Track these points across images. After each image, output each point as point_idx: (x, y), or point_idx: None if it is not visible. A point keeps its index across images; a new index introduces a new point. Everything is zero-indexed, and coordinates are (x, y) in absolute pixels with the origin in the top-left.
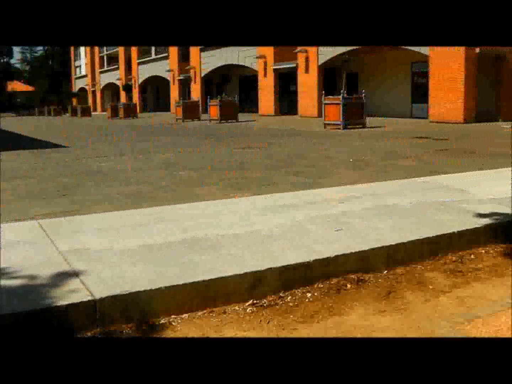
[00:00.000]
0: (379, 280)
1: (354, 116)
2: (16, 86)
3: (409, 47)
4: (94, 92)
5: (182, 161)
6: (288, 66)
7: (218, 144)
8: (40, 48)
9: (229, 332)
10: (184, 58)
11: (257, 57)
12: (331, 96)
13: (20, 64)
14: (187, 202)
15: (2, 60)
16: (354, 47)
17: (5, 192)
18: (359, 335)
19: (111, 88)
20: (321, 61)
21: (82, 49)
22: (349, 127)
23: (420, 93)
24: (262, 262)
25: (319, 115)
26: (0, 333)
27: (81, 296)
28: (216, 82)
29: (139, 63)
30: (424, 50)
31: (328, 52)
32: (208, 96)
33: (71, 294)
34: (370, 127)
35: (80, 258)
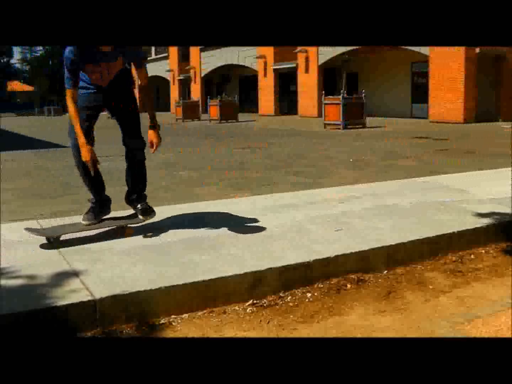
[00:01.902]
0: (379, 280)
1: (354, 116)
2: (16, 86)
3: (409, 47)
4: None
5: (182, 161)
6: (288, 66)
7: (218, 144)
8: (40, 48)
9: (229, 332)
10: (184, 58)
11: (257, 57)
12: (331, 96)
13: (20, 64)
14: (187, 202)
15: (2, 60)
16: (354, 47)
17: (5, 192)
18: (359, 335)
19: None
20: (321, 61)
21: None
22: (349, 127)
23: (420, 93)
24: (262, 262)
25: (319, 115)
26: (0, 333)
27: (81, 296)
28: (216, 82)
29: None
30: (424, 50)
31: (328, 52)
32: (208, 96)
33: (71, 294)
34: (370, 127)
35: (80, 258)
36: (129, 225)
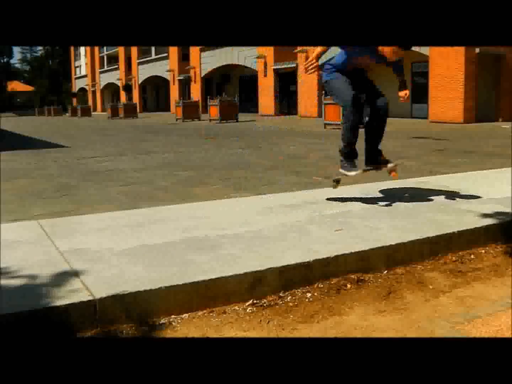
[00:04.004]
0: (379, 280)
1: None
2: (16, 86)
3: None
4: (94, 92)
5: (182, 161)
6: (288, 66)
7: (218, 144)
8: (40, 48)
9: (229, 332)
10: (184, 58)
11: (257, 57)
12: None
13: (20, 64)
14: (187, 202)
15: (2, 60)
16: None
17: (5, 192)
18: (359, 335)
19: (111, 88)
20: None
21: (82, 49)
22: None
23: (420, 93)
24: (262, 262)
25: (319, 115)
26: (0, 333)
27: (81, 296)
28: (216, 82)
29: (139, 63)
30: (424, 50)
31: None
32: (208, 96)
33: (71, 294)
34: None
35: (80, 258)
36: (393, 170)
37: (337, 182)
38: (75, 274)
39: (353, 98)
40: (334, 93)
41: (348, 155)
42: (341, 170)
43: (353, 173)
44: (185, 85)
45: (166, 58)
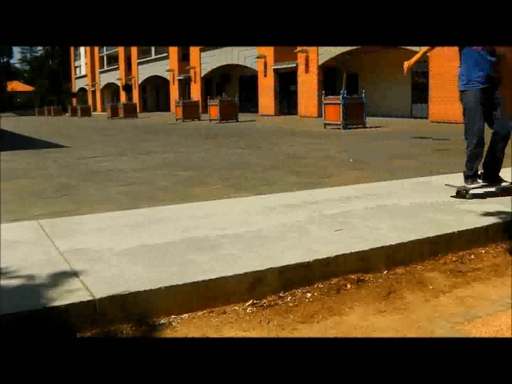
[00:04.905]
0: (379, 280)
1: (354, 116)
2: (16, 86)
3: (409, 47)
4: (94, 92)
5: (182, 161)
6: (288, 66)
7: (218, 144)
8: (40, 48)
9: (229, 332)
10: (184, 58)
11: (257, 57)
12: (331, 96)
13: (20, 64)
14: (187, 202)
15: (2, 60)
16: (354, 47)
17: (5, 192)
18: (359, 335)
19: (111, 88)
20: (321, 61)
21: (82, 49)
22: (349, 127)
23: (420, 93)
24: (262, 262)
25: (319, 115)
26: (0, 333)
27: (81, 296)
28: (216, 82)
29: (139, 63)
30: None
31: (328, 52)
32: (208, 96)
33: (71, 294)
34: (370, 127)
35: (80, 258)
36: None
37: (466, 192)
38: (75, 274)
39: (482, 131)
40: (467, 117)
41: (473, 175)
42: (466, 185)
43: (476, 184)
44: (185, 85)
45: (166, 58)
